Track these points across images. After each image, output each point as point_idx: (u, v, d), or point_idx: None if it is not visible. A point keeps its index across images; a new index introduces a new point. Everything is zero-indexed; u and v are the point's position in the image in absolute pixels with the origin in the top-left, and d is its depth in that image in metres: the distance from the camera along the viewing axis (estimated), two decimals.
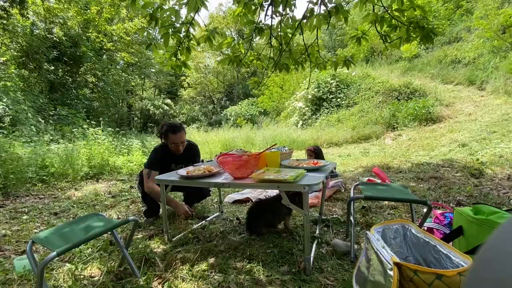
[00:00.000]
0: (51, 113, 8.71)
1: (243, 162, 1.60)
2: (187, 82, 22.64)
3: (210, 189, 2.83)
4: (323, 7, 2.70)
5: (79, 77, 11.64)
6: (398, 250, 1.23)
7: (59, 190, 3.62)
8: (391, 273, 0.85)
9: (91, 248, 1.87)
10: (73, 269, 1.59)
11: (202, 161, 2.47)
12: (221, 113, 17.81)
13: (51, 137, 6.15)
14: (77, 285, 1.46)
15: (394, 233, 1.26)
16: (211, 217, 2.41)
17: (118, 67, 14.16)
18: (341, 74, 10.69)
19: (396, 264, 0.83)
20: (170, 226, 2.19)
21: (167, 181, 1.80)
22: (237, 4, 2.84)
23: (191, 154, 2.43)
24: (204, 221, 2.33)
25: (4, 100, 6.48)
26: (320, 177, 1.53)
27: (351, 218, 1.73)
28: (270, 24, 2.95)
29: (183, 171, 1.85)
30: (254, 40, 3.07)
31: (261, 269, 1.54)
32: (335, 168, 1.86)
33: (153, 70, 17.94)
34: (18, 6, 8.60)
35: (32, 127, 6.59)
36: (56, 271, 1.60)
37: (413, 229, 1.23)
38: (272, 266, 1.58)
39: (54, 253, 1.12)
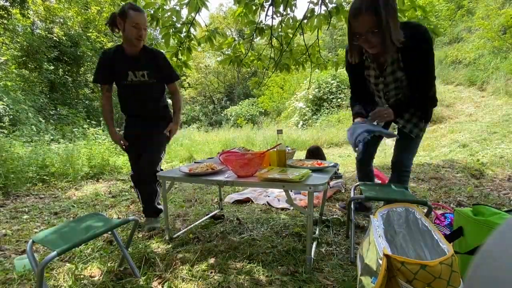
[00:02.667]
0: (51, 113, 8.70)
1: (247, 161, 1.59)
2: (188, 82, 22.61)
3: (210, 188, 2.84)
4: (323, 7, 2.71)
5: (79, 77, 11.64)
6: (399, 231, 1.36)
7: (60, 190, 3.62)
8: (381, 262, 0.96)
9: (91, 248, 1.87)
10: (73, 269, 1.60)
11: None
12: (222, 113, 17.80)
13: (52, 137, 6.15)
14: (77, 285, 1.46)
15: (398, 215, 1.37)
16: (211, 213, 2.44)
17: None
18: (341, 75, 10.67)
19: (385, 255, 0.94)
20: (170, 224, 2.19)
21: (169, 178, 1.80)
22: (237, 5, 2.85)
23: (157, 63, 1.99)
24: (205, 217, 2.37)
25: (4, 100, 6.48)
26: (325, 177, 1.52)
27: (351, 219, 1.73)
28: (270, 24, 2.96)
29: (185, 168, 1.83)
30: (255, 40, 3.08)
31: (261, 269, 1.54)
32: (338, 169, 1.86)
33: None
34: (18, 6, 8.63)
35: (33, 126, 6.59)
36: (56, 270, 1.60)
37: (417, 213, 1.32)
38: (272, 266, 1.57)
39: (54, 252, 1.12)
